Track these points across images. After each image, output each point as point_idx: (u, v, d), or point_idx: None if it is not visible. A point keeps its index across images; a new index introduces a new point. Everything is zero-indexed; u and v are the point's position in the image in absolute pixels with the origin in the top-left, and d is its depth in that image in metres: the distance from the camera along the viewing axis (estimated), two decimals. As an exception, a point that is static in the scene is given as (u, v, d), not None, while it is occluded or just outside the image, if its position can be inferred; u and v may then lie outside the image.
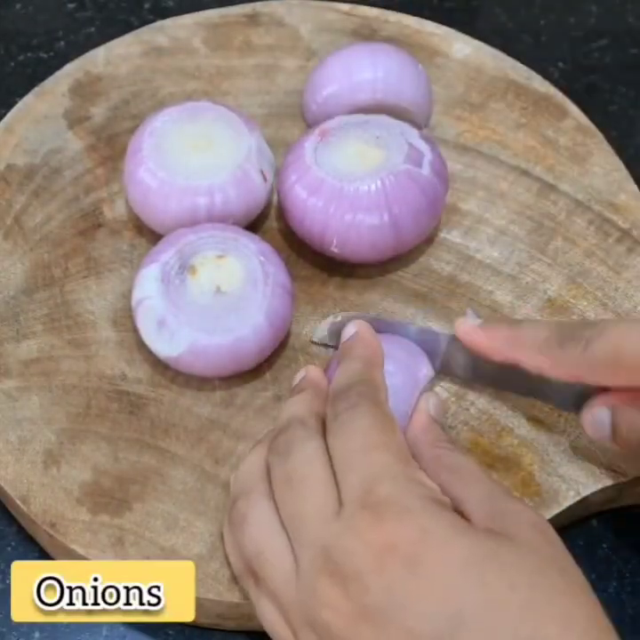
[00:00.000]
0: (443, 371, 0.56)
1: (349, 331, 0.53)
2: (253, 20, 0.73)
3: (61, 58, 0.75)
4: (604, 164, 0.66)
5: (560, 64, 0.78)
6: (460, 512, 0.45)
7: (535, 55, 0.78)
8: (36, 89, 0.69)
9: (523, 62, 0.71)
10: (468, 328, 0.53)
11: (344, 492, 0.44)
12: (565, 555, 0.43)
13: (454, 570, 0.41)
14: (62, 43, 0.78)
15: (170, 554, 0.52)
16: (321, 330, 0.59)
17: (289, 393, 0.54)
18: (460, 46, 0.72)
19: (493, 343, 0.52)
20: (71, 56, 0.72)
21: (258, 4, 0.74)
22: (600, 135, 0.68)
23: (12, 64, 0.77)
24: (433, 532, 0.42)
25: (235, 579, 0.51)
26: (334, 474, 0.45)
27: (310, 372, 0.53)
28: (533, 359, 0.50)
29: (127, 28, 0.74)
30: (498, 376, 0.55)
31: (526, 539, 0.42)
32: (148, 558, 0.52)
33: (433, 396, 0.54)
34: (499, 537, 0.42)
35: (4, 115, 0.68)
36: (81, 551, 0.52)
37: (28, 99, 0.68)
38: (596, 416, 0.51)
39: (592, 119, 0.69)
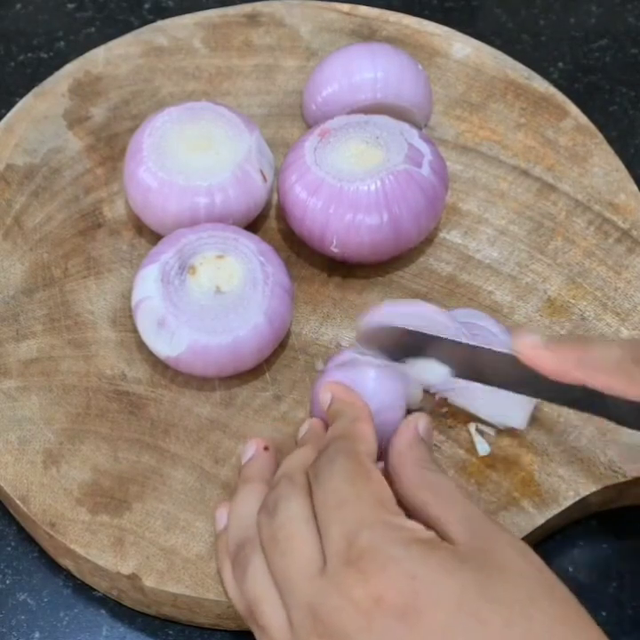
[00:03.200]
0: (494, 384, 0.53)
1: (325, 398, 0.51)
2: (253, 20, 0.73)
3: (61, 58, 0.75)
4: (604, 164, 0.66)
5: (560, 64, 0.78)
6: (439, 533, 0.44)
7: (535, 55, 0.78)
8: (36, 89, 0.69)
9: (523, 62, 0.71)
10: (533, 347, 0.49)
11: (326, 549, 0.43)
12: (550, 574, 0.42)
13: (449, 612, 0.40)
14: (62, 43, 0.78)
15: (170, 554, 0.52)
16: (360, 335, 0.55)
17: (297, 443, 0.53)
18: (460, 46, 0.72)
19: (562, 365, 0.48)
20: (71, 56, 0.72)
21: (258, 3, 0.74)
22: (600, 135, 0.68)
23: (12, 64, 0.77)
24: (421, 576, 0.41)
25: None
26: (319, 532, 0.44)
27: (313, 425, 0.53)
28: (607, 381, 0.47)
29: (127, 27, 0.75)
30: (560, 392, 0.50)
31: (513, 565, 0.42)
32: (147, 559, 0.52)
33: (423, 418, 0.51)
34: (487, 568, 0.41)
35: (5, 115, 0.68)
36: (80, 551, 0.52)
37: (28, 99, 0.68)
38: None
39: (592, 119, 0.69)
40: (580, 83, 0.77)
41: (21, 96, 0.69)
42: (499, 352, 0.51)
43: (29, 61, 0.77)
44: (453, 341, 0.52)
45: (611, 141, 0.68)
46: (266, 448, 0.53)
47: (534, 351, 0.49)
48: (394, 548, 0.42)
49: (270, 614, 0.44)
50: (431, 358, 0.53)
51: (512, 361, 0.49)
